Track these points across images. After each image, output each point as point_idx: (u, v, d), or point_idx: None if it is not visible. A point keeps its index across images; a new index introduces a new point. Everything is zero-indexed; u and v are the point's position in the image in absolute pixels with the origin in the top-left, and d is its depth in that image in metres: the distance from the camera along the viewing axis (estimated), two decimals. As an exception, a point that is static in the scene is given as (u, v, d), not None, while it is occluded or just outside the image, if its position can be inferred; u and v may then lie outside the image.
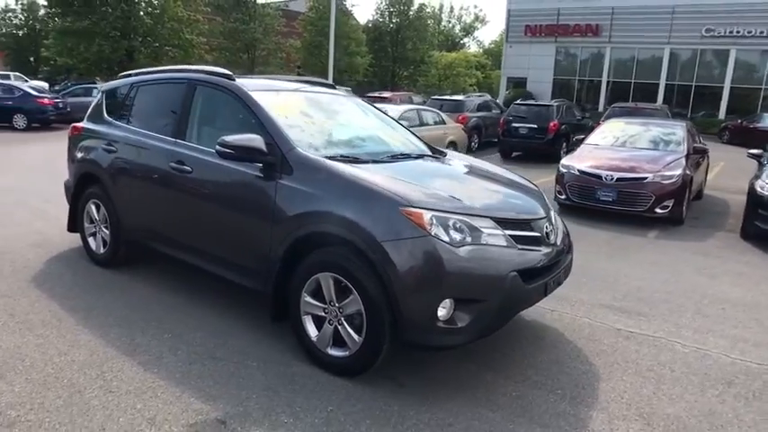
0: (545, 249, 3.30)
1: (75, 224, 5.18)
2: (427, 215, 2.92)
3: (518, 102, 16.91)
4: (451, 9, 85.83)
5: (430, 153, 4.24)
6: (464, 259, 2.88)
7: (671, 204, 7.35)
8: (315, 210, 3.20)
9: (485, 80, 51.87)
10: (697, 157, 8.56)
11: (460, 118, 15.88)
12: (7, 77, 30.06)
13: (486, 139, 16.92)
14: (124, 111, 4.79)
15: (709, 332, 4.17)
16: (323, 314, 3.25)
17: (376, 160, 3.65)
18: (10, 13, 36.05)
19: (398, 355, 3.34)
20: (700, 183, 9.19)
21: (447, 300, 2.88)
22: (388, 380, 3.23)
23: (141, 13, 23.87)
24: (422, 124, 12.58)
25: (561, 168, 8.26)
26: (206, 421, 2.80)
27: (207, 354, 3.47)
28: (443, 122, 13.30)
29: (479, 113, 17.16)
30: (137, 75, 4.93)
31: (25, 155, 12.56)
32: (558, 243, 3.50)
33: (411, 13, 40.74)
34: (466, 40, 73.57)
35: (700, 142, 9.53)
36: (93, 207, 4.91)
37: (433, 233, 2.88)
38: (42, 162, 10.70)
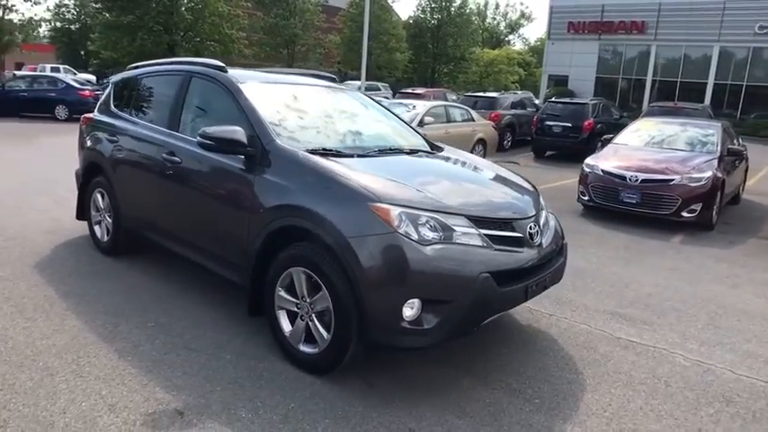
0: (527, 251, 3.13)
1: (83, 212, 5.30)
2: (395, 211, 2.81)
3: (552, 99, 16.45)
4: (497, 6, 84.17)
5: (425, 149, 4.11)
6: (431, 258, 2.76)
7: (699, 208, 6.95)
8: (287, 203, 3.14)
9: (529, 78, 50.86)
10: (732, 159, 8.08)
11: (493, 115, 15.56)
12: (57, 70, 31.48)
13: (520, 137, 16.53)
14: (128, 102, 4.86)
15: (718, 345, 3.89)
16: (296, 309, 3.18)
17: (361, 154, 3.54)
18: (63, 8, 37.64)
19: (374, 355, 3.26)
20: (736, 186, 8.68)
21: (413, 300, 2.76)
22: (358, 379, 3.14)
23: (183, 8, 24.40)
24: (449, 121, 12.38)
25: (585, 168, 7.94)
26: (164, 411, 2.78)
27: (183, 344, 3.46)
28: (472, 119, 13.04)
29: (513, 111, 16.77)
30: (142, 67, 4.99)
31: (62, 145, 13.00)
32: (545, 245, 3.31)
33: (452, 9, 40.29)
34: (511, 37, 72.46)
35: (739, 144, 9.00)
36: (99, 196, 5.00)
37: (400, 230, 2.77)
38: (76, 152, 11.05)
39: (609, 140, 8.86)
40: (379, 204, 2.83)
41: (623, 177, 7.33)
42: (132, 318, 3.78)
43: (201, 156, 3.70)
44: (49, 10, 25.57)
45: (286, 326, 3.25)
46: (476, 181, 3.60)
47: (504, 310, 3.10)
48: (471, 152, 12.82)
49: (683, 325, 4.21)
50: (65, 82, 18.09)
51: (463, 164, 3.95)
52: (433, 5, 40.26)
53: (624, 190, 7.28)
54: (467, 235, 2.91)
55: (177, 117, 4.13)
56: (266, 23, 31.01)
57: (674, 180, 7.05)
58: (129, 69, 5.19)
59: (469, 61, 42.10)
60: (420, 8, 41.08)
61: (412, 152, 3.92)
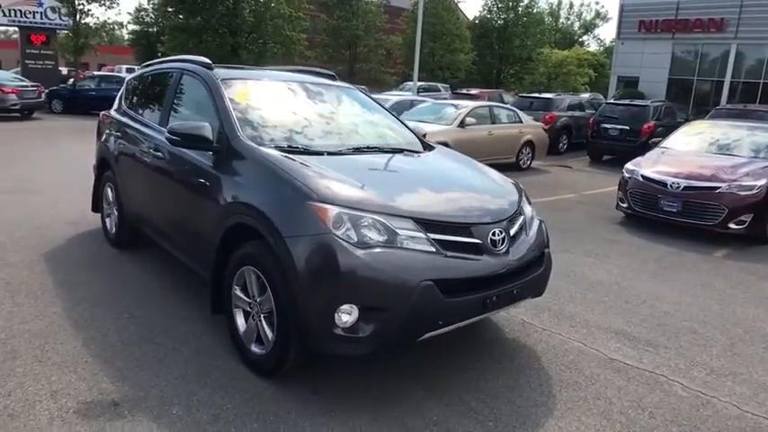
0: (487, 258, 2.87)
1: (97, 205, 5.49)
2: (333, 211, 2.65)
3: (611, 101, 15.56)
4: (571, 5, 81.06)
5: (411, 148, 3.91)
6: (366, 262, 2.57)
7: (749, 219, 6.27)
8: (239, 200, 3.06)
9: (602, 80, 48.62)
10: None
11: (548, 117, 14.94)
12: (132, 71, 33.51)
13: (577, 140, 15.76)
14: (134, 99, 4.98)
15: (731, 375, 3.44)
16: (249, 309, 3.10)
17: (332, 152, 3.41)
18: (143, 12, 39.99)
19: (335, 360, 3.12)
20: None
21: (347, 305, 2.58)
22: (306, 385, 3.00)
23: (246, 11, 25.17)
24: (494, 122, 11.97)
25: (625, 173, 7.40)
26: (101, 401, 2.76)
27: (149, 337, 3.46)
28: (519, 121, 12.55)
29: (570, 113, 16.01)
30: (149, 65, 5.10)
31: None
32: (516, 253, 3.04)
33: (520, 9, 39.21)
34: (585, 37, 69.67)
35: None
36: (108, 190, 5.16)
37: (336, 231, 2.61)
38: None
39: (655, 144, 8.21)
40: (317, 204, 2.69)
41: (664, 184, 6.75)
42: (112, 308, 3.84)
43: (179, 152, 3.70)
44: (129, 14, 27.31)
45: (241, 325, 3.17)
46: (443, 183, 3.36)
47: (454, 323, 2.83)
48: (518, 154, 12.39)
49: (695, 349, 3.76)
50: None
51: (441, 165, 3.71)
52: (499, 5, 39.35)
53: (664, 197, 6.70)
54: (413, 239, 2.70)
55: (167, 113, 4.17)
56: (329, 25, 31.46)
57: (720, 188, 6.40)
58: (141, 68, 5.32)
59: (537, 62, 40.80)
60: (486, 8, 40.29)
61: (391, 151, 3.73)
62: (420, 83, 30.57)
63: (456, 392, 3.03)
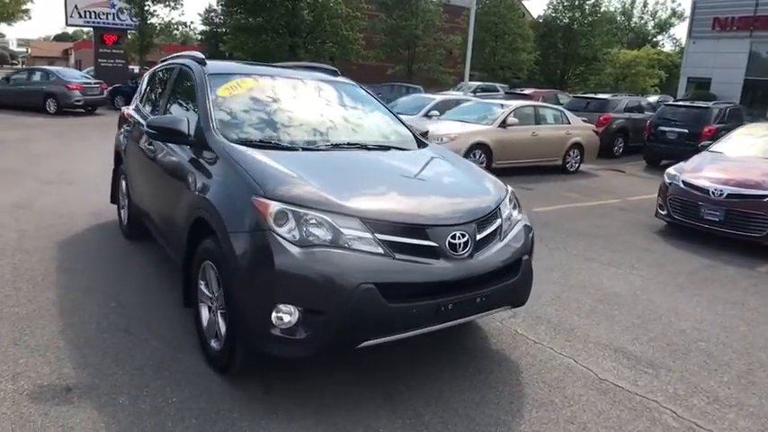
0: (443, 263, 2.67)
1: (114, 197, 5.67)
2: (274, 207, 2.55)
3: (670, 102, 14.62)
4: (645, 4, 77.05)
5: (398, 146, 3.76)
6: (303, 262, 2.45)
7: (802, 234, 5.65)
8: (203, 194, 3.02)
9: (672, 81, 45.94)
10: None
11: (602, 119, 14.24)
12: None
13: (635, 143, 14.90)
14: (144, 95, 5.10)
15: (737, 406, 3.06)
16: (210, 304, 3.06)
17: (307, 148, 3.33)
18: (212, 13, 41.53)
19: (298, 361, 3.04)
20: None
21: (285, 306, 2.49)
22: (260, 384, 2.91)
23: (304, 11, 25.56)
24: (539, 122, 11.51)
25: (666, 178, 6.87)
26: (55, 386, 2.80)
27: (124, 327, 3.49)
28: (567, 122, 11.99)
29: (627, 115, 15.17)
30: (163, 61, 5.20)
31: None
32: (479, 259, 2.81)
33: (587, 7, 37.65)
34: (660, 37, 66.17)
35: None
36: (123, 182, 5.31)
37: (276, 228, 2.51)
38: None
39: (704, 147, 7.59)
40: (261, 199, 2.60)
41: (705, 190, 6.20)
42: (100, 297, 3.91)
43: (167, 146, 3.74)
44: (199, 15, 28.45)
45: (204, 320, 3.13)
46: (413, 182, 3.19)
47: (401, 331, 2.65)
48: (565, 157, 11.84)
49: (703, 374, 3.39)
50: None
51: (420, 164, 3.53)
52: (565, 3, 37.96)
53: (705, 205, 6.16)
54: (360, 240, 2.55)
55: (163, 107, 4.23)
56: (387, 25, 31.45)
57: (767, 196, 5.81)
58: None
59: (603, 62, 39.06)
60: (551, 6, 38.97)
61: (375, 148, 3.61)
62: (477, 83, 30.07)
63: (413, 404, 2.85)
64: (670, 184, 6.72)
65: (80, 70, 27.10)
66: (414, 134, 4.12)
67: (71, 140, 12.15)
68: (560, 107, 12.96)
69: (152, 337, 3.39)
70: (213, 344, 3.01)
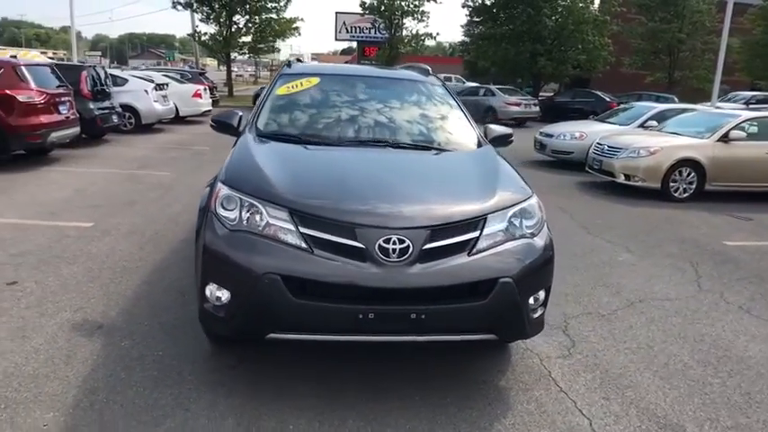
0: (371, 268, 2.42)
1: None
2: (223, 192, 2.72)
3: None
4: None
5: (437, 146, 3.55)
6: (225, 244, 2.56)
7: None
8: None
9: None
10: None
11: None
12: (449, 80, 36.54)
13: None
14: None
15: None
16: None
17: (321, 143, 3.40)
18: (471, 26, 42.76)
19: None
20: None
21: (211, 283, 2.61)
22: (227, 368, 3.03)
23: (549, 16, 24.51)
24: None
25: None
26: (93, 322, 3.43)
27: (181, 290, 4.03)
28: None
29: None
30: None
31: None
32: (424, 270, 2.45)
33: None
34: None
35: None
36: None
37: (219, 210, 2.66)
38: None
39: None
40: (219, 183, 2.80)
41: None
42: (116, 288, 4.03)
43: None
44: (461, 27, 29.83)
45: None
46: (393, 183, 2.94)
47: (312, 330, 2.48)
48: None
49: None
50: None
51: (436, 165, 3.28)
52: None
53: None
54: (283, 230, 2.51)
55: None
56: (646, 29, 28.13)
57: None
58: None
59: None
60: None
61: (407, 147, 3.47)
62: (753, 93, 25.04)
63: (346, 414, 2.65)
64: None
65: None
66: (478, 135, 3.78)
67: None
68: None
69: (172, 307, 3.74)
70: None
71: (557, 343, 3.57)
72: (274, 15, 28.68)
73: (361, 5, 27.87)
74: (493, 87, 21.85)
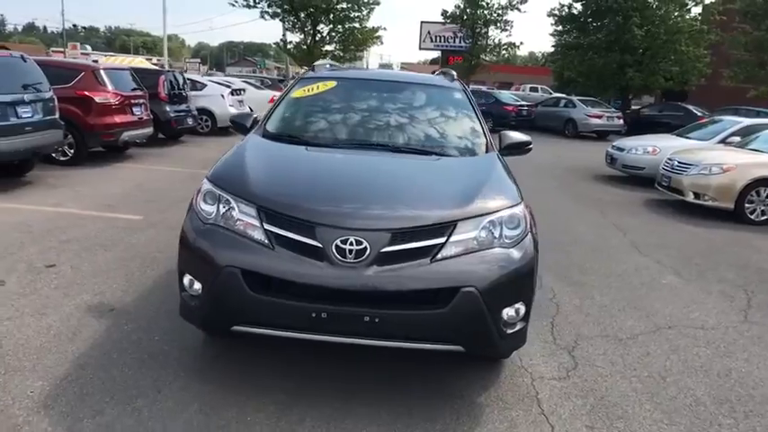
0: (326, 267, 2.42)
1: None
2: (205, 187, 2.84)
3: None
4: None
5: (438, 151, 3.47)
6: (196, 236, 2.68)
7: None
8: None
9: None
10: None
11: None
12: (535, 90, 35.60)
13: None
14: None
15: None
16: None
17: (317, 144, 3.46)
18: (565, 35, 41.12)
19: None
20: None
21: (186, 272, 2.73)
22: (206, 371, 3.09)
23: (639, 26, 23.14)
24: None
25: None
26: (106, 304, 3.68)
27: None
28: None
29: None
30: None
31: None
32: (374, 273, 2.43)
33: None
34: None
35: None
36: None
37: (200, 204, 2.78)
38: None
39: None
40: (204, 180, 2.92)
41: None
42: (128, 278, 4.26)
43: None
44: (552, 35, 28.80)
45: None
46: (375, 184, 2.95)
47: (270, 325, 2.53)
48: None
49: None
50: (494, 96, 20.69)
51: (429, 169, 3.24)
52: None
53: None
54: (250, 226, 2.59)
55: None
56: (751, 38, 25.81)
57: None
58: None
59: None
60: None
61: (407, 151, 3.44)
62: None
63: (290, 420, 2.67)
64: None
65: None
66: (488, 142, 3.68)
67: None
68: None
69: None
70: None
71: (557, 363, 3.38)
72: (357, 24, 29.35)
73: (442, 14, 27.86)
74: (574, 99, 21.06)
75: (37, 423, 2.49)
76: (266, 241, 2.53)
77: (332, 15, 28.53)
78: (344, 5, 27.83)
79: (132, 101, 9.14)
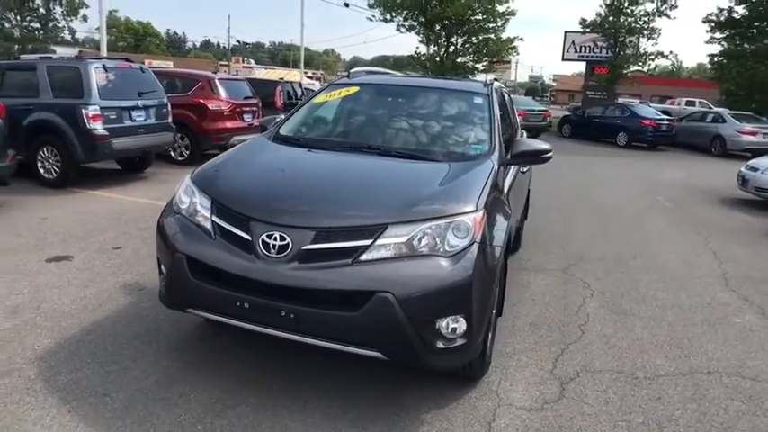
0: (250, 260, 2.54)
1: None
2: (185, 182, 3.10)
3: None
4: None
5: (429, 156, 3.38)
6: (165, 225, 2.94)
7: None
8: None
9: None
10: None
11: None
12: (692, 104, 31.94)
13: None
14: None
15: None
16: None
17: (316, 147, 3.58)
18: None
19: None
20: None
21: (159, 260, 3.04)
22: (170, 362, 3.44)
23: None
24: None
25: None
26: (136, 284, 4.16)
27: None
28: None
29: None
30: None
31: (605, 170, 13.97)
32: (299, 270, 2.47)
33: None
34: None
35: None
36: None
37: (179, 197, 3.04)
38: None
39: None
40: (187, 176, 3.19)
41: None
42: (129, 270, 4.61)
43: None
44: (706, 44, 25.89)
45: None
46: (345, 185, 3.03)
47: (207, 309, 2.74)
48: None
49: None
50: (630, 110, 19.07)
51: (412, 172, 3.20)
52: None
53: None
54: (203, 217, 2.82)
55: None
56: None
57: None
58: None
59: None
60: None
61: (402, 155, 3.39)
62: None
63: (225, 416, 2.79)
64: None
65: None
66: (493, 149, 3.52)
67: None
68: None
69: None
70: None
71: (538, 393, 3.09)
72: (492, 36, 28.99)
73: (581, 23, 26.38)
74: (724, 113, 18.63)
75: (26, 370, 2.96)
76: (210, 230, 2.73)
77: (466, 27, 28.53)
78: (479, 17, 27.66)
79: (244, 108, 10.09)
